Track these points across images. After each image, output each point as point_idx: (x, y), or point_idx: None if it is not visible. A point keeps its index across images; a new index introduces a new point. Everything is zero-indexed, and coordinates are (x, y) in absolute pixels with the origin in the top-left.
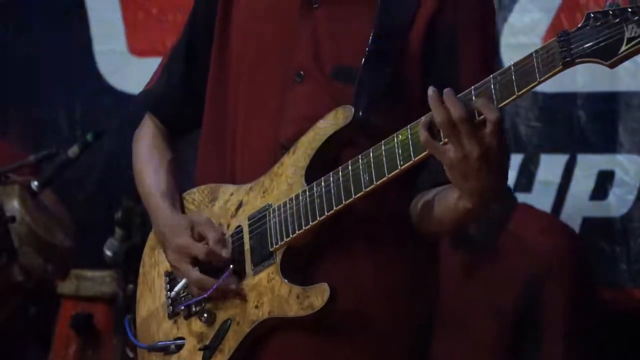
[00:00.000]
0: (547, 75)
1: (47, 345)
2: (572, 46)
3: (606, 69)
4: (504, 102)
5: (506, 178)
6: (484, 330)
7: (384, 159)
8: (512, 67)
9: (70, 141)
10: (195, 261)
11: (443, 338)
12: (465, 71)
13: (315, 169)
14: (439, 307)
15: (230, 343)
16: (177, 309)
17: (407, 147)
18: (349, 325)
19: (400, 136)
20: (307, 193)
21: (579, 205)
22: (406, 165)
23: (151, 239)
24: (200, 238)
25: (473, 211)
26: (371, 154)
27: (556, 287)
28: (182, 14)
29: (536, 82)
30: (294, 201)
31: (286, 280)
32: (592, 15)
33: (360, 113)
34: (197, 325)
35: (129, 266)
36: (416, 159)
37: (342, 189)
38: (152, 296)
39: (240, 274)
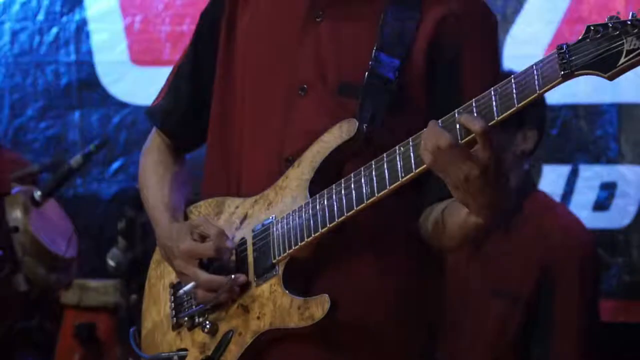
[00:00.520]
0: (546, 88)
1: (49, 356)
2: (571, 58)
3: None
4: (504, 114)
5: (509, 187)
6: (495, 312)
7: (386, 171)
8: (512, 79)
9: (72, 151)
10: (202, 264)
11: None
12: (469, 84)
13: (319, 182)
14: (444, 316)
15: (233, 354)
16: (180, 319)
17: (408, 159)
18: (351, 336)
19: (401, 149)
20: (310, 205)
21: (581, 216)
22: (407, 177)
23: (157, 253)
24: (202, 239)
25: (482, 225)
26: (373, 166)
27: (571, 278)
28: (183, 24)
29: (536, 94)
30: (296, 213)
31: (287, 292)
32: (592, 28)
33: (364, 127)
34: (199, 336)
35: (132, 276)
36: (417, 171)
37: (344, 201)
38: (157, 308)
39: (243, 286)
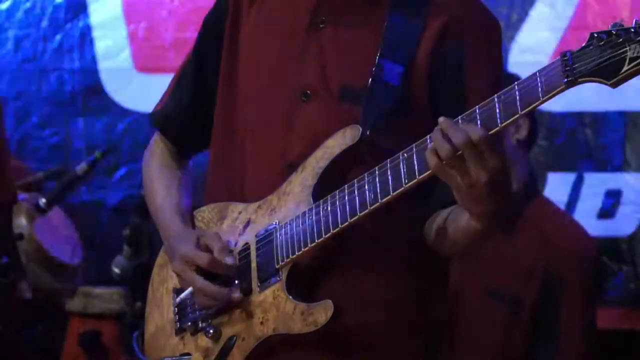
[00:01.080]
0: (549, 95)
1: None
2: (575, 65)
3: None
4: (507, 121)
5: (511, 196)
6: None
7: (389, 177)
8: (516, 86)
9: (77, 158)
10: (200, 270)
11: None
12: (472, 91)
13: (323, 188)
14: (448, 322)
15: (236, 359)
16: (184, 325)
17: (412, 165)
18: (354, 342)
19: (405, 155)
20: (314, 211)
21: (586, 224)
22: (411, 183)
23: (161, 257)
24: (206, 249)
25: (484, 232)
26: (377, 172)
27: (574, 284)
28: (187, 31)
29: (539, 101)
30: (300, 219)
31: (291, 297)
32: (595, 35)
33: (368, 132)
34: (203, 341)
35: (136, 283)
36: (420, 177)
37: (347, 207)
38: (160, 313)
39: (246, 291)
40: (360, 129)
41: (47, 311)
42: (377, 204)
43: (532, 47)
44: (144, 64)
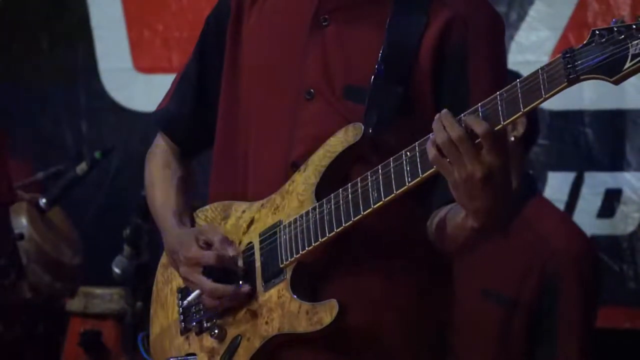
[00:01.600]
0: (552, 92)
1: None
2: (577, 63)
3: (613, 86)
4: (510, 119)
5: (510, 197)
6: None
7: (392, 175)
8: (518, 84)
9: (77, 158)
10: (206, 272)
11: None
12: (475, 88)
13: (326, 186)
14: (453, 322)
15: (241, 359)
16: (189, 325)
17: (415, 164)
18: (358, 341)
19: (408, 153)
20: (317, 210)
21: (586, 223)
22: (414, 182)
23: (164, 257)
24: (207, 246)
25: (480, 230)
26: (380, 170)
27: (571, 283)
28: (187, 31)
29: (542, 99)
30: (303, 218)
31: (296, 297)
32: (597, 32)
33: (370, 130)
34: (208, 341)
35: (137, 283)
36: (424, 175)
37: (351, 205)
38: (165, 313)
39: (251, 290)
40: (363, 127)
41: (47, 311)
42: (381, 202)
43: (531, 46)
44: (145, 64)
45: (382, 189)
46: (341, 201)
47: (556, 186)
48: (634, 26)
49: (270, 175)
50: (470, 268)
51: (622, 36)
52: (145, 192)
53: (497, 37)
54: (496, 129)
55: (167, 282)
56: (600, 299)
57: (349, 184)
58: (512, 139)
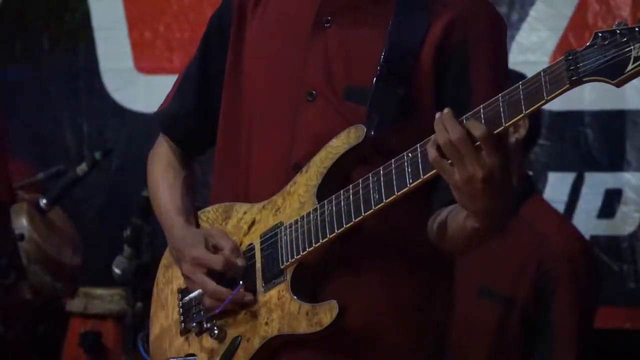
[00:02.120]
0: (554, 94)
1: None
2: (579, 65)
3: (613, 87)
4: (512, 121)
5: (512, 198)
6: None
7: (394, 177)
8: (520, 86)
9: (78, 159)
10: (210, 273)
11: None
12: (477, 89)
13: (327, 188)
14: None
15: (240, 359)
16: (189, 325)
17: (416, 165)
18: (358, 342)
19: (410, 154)
20: (318, 211)
21: (586, 223)
22: (415, 183)
23: (166, 258)
24: (215, 250)
25: (481, 231)
26: (381, 171)
27: (566, 283)
28: (188, 31)
29: (544, 101)
30: (304, 219)
31: (296, 298)
32: (599, 35)
33: (372, 132)
34: (208, 341)
35: (137, 284)
36: (425, 177)
37: (352, 206)
38: (165, 313)
39: (251, 291)
40: (365, 129)
41: (47, 312)
42: (382, 203)
43: (531, 46)
44: (146, 65)
45: (383, 190)
46: (342, 202)
47: (556, 186)
48: (637, 29)
49: (272, 177)
50: (467, 267)
51: (625, 39)
52: (148, 193)
53: (498, 38)
54: (498, 131)
55: (168, 283)
56: (600, 299)
57: (350, 185)
58: (514, 140)
